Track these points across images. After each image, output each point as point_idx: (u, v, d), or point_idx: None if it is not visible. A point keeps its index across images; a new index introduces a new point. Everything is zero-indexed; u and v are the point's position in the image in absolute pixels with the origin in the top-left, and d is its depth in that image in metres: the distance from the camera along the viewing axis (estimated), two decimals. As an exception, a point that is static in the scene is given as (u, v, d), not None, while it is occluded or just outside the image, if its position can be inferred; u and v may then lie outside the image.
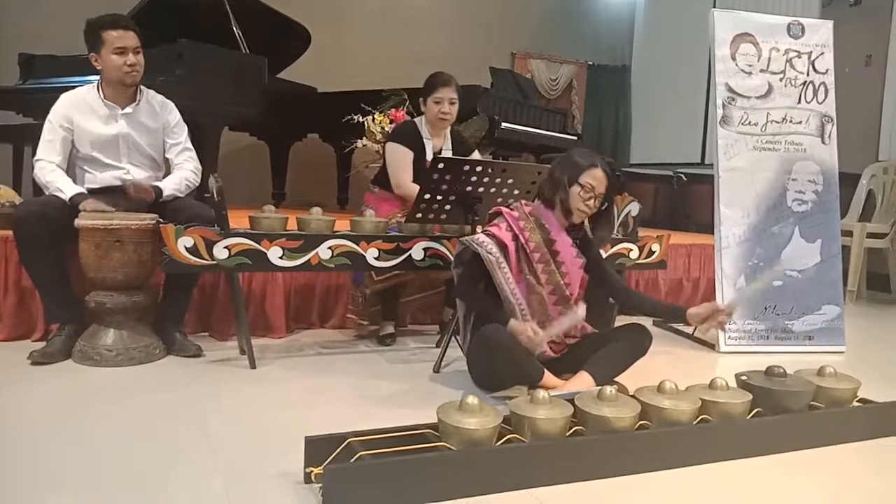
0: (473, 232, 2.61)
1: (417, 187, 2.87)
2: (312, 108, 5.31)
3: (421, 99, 3.15)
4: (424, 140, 3.09)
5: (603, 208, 2.43)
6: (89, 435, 1.83)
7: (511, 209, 2.43)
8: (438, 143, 3.15)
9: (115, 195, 2.63)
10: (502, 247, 2.32)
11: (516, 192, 2.74)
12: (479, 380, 2.37)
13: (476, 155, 3.28)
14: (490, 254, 2.30)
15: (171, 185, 2.71)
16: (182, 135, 2.83)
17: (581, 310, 2.16)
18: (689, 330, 3.43)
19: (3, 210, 2.89)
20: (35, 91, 4.15)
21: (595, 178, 2.32)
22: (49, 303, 2.60)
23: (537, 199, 2.46)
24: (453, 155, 3.09)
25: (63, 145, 2.64)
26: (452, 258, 2.60)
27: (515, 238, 2.35)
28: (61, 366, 2.44)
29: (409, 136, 3.08)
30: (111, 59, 2.60)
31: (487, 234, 2.36)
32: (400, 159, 3.04)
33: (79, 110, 2.65)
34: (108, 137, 2.67)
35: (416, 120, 3.18)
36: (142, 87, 2.75)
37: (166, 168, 2.84)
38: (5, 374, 2.34)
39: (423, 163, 3.05)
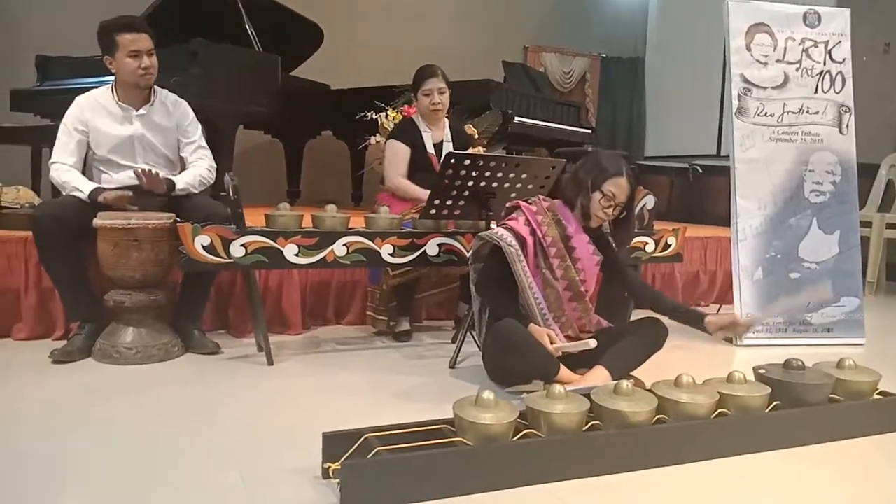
0: (487, 227, 2.61)
1: (405, 182, 3.01)
2: (326, 105, 5.33)
3: (412, 94, 3.25)
4: (423, 133, 3.15)
5: (622, 216, 2.42)
6: (108, 431, 1.85)
7: (529, 203, 2.42)
8: (438, 135, 3.20)
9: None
10: (520, 240, 2.32)
11: (530, 186, 2.73)
12: (494, 375, 2.37)
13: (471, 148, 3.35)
14: (511, 246, 2.30)
15: (184, 180, 2.72)
16: (196, 133, 2.85)
17: (593, 342, 2.19)
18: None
19: (22, 211, 2.92)
20: (51, 92, 4.18)
21: (618, 186, 2.31)
22: (69, 302, 2.64)
23: (557, 196, 2.45)
24: (453, 146, 3.14)
25: (78, 148, 2.66)
26: (468, 254, 2.60)
27: (533, 232, 2.35)
28: (81, 364, 2.47)
29: (407, 132, 3.15)
30: (125, 62, 2.61)
31: (506, 228, 2.36)
32: (394, 155, 3.12)
33: (93, 112, 2.67)
34: (123, 139, 2.69)
35: (414, 116, 3.27)
36: (156, 87, 2.76)
37: (181, 167, 2.86)
38: (27, 372, 2.38)
39: (425, 155, 3.12)
